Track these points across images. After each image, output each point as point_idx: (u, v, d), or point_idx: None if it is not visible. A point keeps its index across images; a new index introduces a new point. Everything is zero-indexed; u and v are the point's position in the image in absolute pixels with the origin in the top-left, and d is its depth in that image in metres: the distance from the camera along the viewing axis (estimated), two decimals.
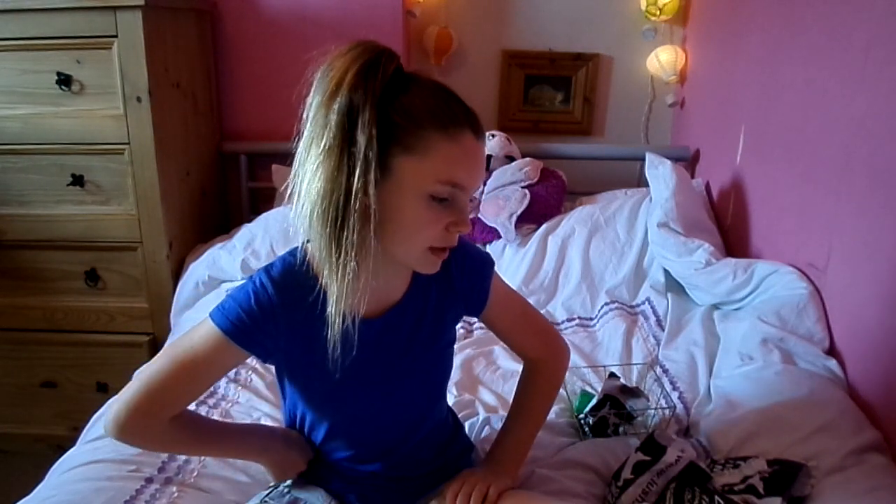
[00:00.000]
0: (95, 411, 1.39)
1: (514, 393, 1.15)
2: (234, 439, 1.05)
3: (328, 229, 0.79)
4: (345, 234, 0.79)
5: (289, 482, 1.07)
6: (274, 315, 0.89)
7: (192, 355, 0.90)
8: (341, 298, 0.82)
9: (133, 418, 0.90)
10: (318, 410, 1.01)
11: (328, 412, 1.01)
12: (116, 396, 0.93)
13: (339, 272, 0.80)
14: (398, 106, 0.80)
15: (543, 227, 1.97)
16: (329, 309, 0.84)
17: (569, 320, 1.74)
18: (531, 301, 1.79)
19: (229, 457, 1.15)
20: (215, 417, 1.34)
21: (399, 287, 0.97)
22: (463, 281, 1.01)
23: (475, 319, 1.27)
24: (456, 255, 0.99)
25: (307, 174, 0.80)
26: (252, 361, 1.47)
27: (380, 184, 0.79)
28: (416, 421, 1.04)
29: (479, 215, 2.00)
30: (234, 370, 1.50)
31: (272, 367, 1.46)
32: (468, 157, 0.84)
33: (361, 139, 0.77)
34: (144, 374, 0.91)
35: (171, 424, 0.93)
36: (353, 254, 0.79)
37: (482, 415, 1.34)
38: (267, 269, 0.91)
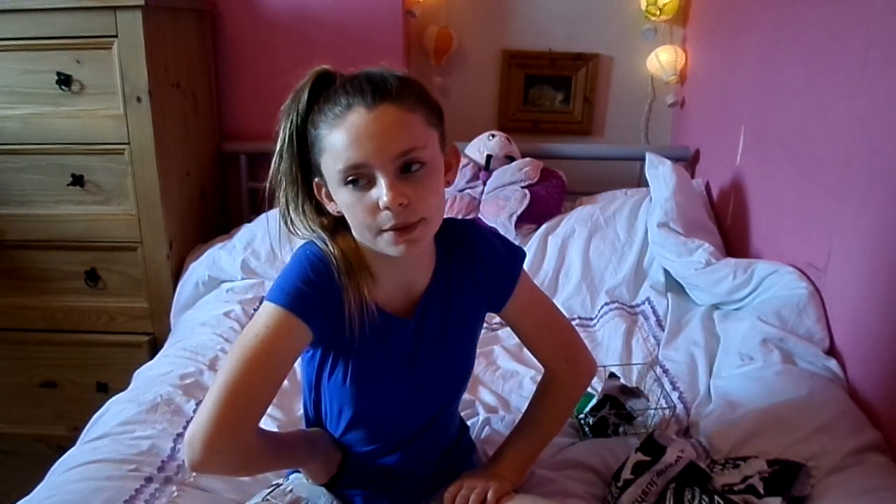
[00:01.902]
0: (95, 411, 1.39)
1: (530, 399, 1.14)
2: (292, 446, 1.02)
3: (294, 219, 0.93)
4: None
5: (290, 481, 1.07)
6: (331, 278, 0.90)
7: (261, 345, 0.86)
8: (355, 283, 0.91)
9: (223, 434, 0.84)
10: (344, 401, 1.00)
11: (355, 404, 0.99)
12: (192, 423, 0.86)
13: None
14: (313, 123, 0.86)
15: (543, 227, 1.97)
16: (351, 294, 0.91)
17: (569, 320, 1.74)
18: None
19: (289, 467, 1.07)
20: None
21: (420, 282, 0.98)
22: (488, 273, 1.01)
23: None
24: (483, 247, 1.01)
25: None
26: None
27: (329, 187, 0.88)
28: (435, 415, 1.04)
29: (480, 215, 2.00)
30: None
31: None
32: (356, 134, 0.82)
33: (286, 162, 0.89)
34: (218, 384, 0.85)
35: (257, 437, 0.90)
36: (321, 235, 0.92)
37: (482, 415, 1.34)
38: (312, 242, 0.94)
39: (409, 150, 0.84)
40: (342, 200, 0.87)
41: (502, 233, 1.93)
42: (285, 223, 0.93)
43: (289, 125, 0.88)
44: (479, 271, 1.00)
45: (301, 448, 1.03)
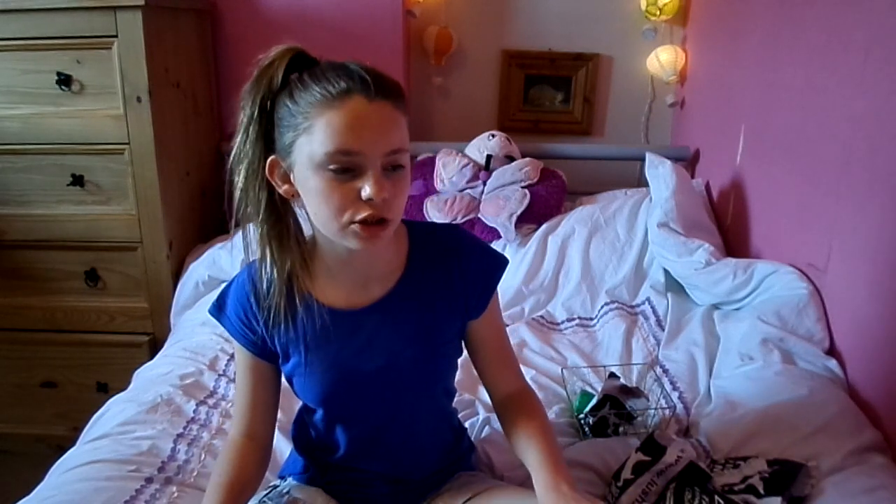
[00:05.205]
0: (95, 411, 1.39)
1: (512, 437, 1.01)
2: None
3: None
4: (263, 221, 0.90)
5: (287, 482, 1.07)
6: (258, 297, 0.95)
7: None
8: (282, 276, 0.92)
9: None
10: (312, 402, 1.01)
11: (322, 404, 1.00)
12: None
13: (270, 251, 0.91)
14: (290, 97, 0.85)
15: (543, 227, 1.97)
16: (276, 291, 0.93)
17: (569, 320, 1.74)
18: (531, 301, 1.80)
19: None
20: (215, 417, 1.34)
21: (382, 278, 0.97)
22: (466, 273, 0.99)
23: None
24: (463, 250, 1.00)
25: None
26: None
27: (292, 171, 0.86)
28: (410, 420, 1.03)
29: (480, 215, 2.00)
30: (233, 371, 1.50)
31: None
32: (356, 121, 0.81)
33: (252, 139, 0.87)
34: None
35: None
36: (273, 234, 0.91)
37: (482, 415, 1.34)
38: (247, 266, 0.97)
39: (399, 149, 0.85)
40: (313, 185, 0.84)
41: (502, 233, 1.94)
42: (238, 208, 0.90)
43: (258, 100, 0.86)
44: (455, 272, 0.98)
45: None
